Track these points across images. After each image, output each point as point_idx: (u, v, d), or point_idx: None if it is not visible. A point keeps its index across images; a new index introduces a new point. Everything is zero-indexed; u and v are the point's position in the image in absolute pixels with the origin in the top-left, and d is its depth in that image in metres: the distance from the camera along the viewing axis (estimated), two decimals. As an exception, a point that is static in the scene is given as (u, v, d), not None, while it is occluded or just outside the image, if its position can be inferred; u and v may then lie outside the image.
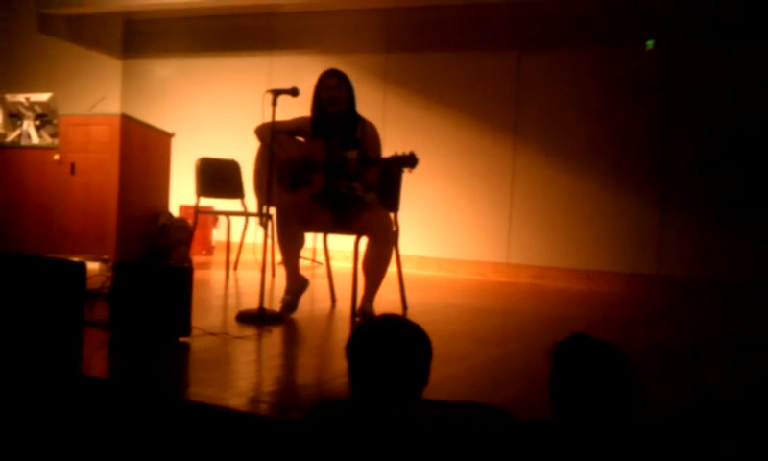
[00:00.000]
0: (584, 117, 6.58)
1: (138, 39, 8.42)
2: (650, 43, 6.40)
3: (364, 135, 4.30)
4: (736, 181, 6.11)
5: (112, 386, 2.64)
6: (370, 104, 4.44)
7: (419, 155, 4.06)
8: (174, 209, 6.88)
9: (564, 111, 6.66)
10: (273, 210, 4.34)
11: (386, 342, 1.82)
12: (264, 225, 4.78)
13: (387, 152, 4.32)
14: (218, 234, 7.55)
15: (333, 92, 4.26)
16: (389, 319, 1.93)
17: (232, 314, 4.03)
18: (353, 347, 1.85)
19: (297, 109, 4.36)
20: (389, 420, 1.71)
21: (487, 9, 6.92)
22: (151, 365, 2.96)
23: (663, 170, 6.37)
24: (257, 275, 4.20)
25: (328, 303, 4.67)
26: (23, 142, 6.19)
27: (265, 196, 4.21)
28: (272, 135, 4.13)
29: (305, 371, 3.27)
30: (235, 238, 6.26)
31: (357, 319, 4.08)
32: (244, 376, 2.96)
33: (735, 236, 6.08)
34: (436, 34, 7.17)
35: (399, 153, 4.07)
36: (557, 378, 1.74)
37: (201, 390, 2.62)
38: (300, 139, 4.42)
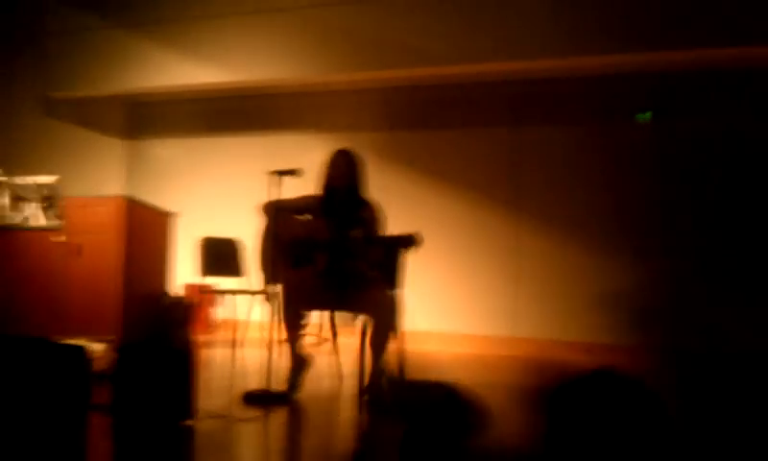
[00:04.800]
0: (583, 190, 6.64)
1: (141, 121, 8.54)
2: (643, 116, 6.49)
3: (368, 215, 4.33)
4: (740, 250, 6.13)
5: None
6: (371, 181, 4.48)
7: (422, 230, 4.08)
8: (177, 288, 6.87)
9: (564, 185, 6.72)
10: (278, 287, 4.33)
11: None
12: (269, 301, 4.76)
13: (390, 229, 4.34)
14: (221, 312, 7.52)
15: (339, 169, 4.33)
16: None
17: (237, 395, 3.99)
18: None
19: (298, 187, 4.40)
20: None
21: (485, 87, 7.05)
22: (154, 452, 2.91)
23: (666, 239, 6.38)
24: (261, 353, 4.17)
25: (335, 381, 4.63)
26: (29, 224, 6.23)
27: (269, 273, 4.22)
28: (276, 214, 4.16)
29: (312, 454, 3.22)
30: (239, 316, 6.23)
31: (365, 396, 4.04)
32: (250, 460, 2.92)
33: (743, 307, 6.06)
34: (436, 112, 7.28)
35: (404, 232, 4.08)
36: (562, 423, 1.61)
37: (207, 475, 2.58)
38: (305, 218, 4.44)
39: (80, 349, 3.42)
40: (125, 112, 8.60)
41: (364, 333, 4.17)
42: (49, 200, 6.27)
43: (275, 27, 7.18)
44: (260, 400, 3.85)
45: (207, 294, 6.56)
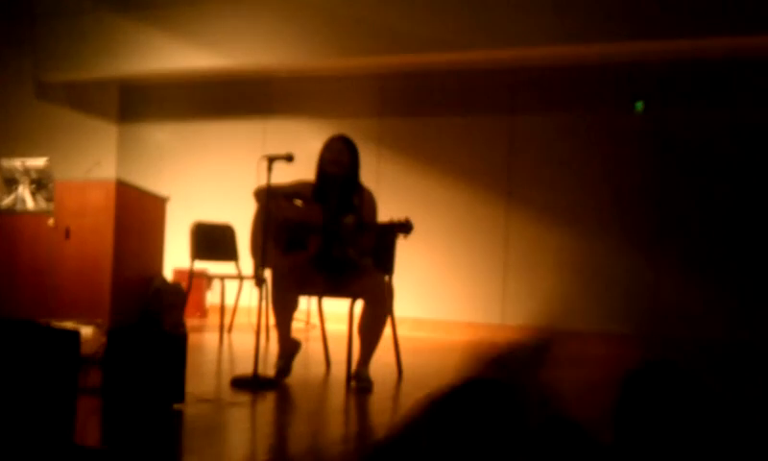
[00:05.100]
0: (576, 179, 6.65)
1: (134, 105, 8.51)
2: (639, 105, 6.50)
3: (361, 202, 4.32)
4: (732, 240, 6.15)
5: (106, 456, 2.61)
6: (364, 168, 4.48)
7: (413, 217, 4.08)
8: (168, 273, 6.87)
9: (557, 173, 6.73)
10: (268, 272, 4.33)
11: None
12: (259, 286, 4.76)
13: (381, 215, 4.34)
14: (212, 297, 7.53)
15: (336, 155, 4.30)
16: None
17: (226, 379, 4.00)
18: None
19: (291, 174, 4.39)
20: None
21: (479, 74, 7.04)
22: (144, 434, 2.92)
23: (658, 229, 6.41)
24: (251, 338, 4.18)
25: (323, 367, 4.64)
26: (18, 207, 6.21)
27: (260, 258, 4.21)
28: (268, 199, 4.15)
29: (299, 439, 3.23)
30: (229, 301, 6.25)
31: (353, 383, 4.05)
32: (238, 444, 2.93)
33: (731, 295, 6.10)
34: (429, 99, 7.27)
35: (395, 218, 4.08)
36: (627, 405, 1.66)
37: (194, 460, 2.59)
38: (299, 202, 4.43)
39: (68, 331, 3.42)
40: (118, 95, 8.57)
41: (353, 319, 4.19)
42: (39, 182, 6.26)
43: (269, 12, 7.15)
44: (249, 384, 3.86)
45: (198, 278, 6.56)
